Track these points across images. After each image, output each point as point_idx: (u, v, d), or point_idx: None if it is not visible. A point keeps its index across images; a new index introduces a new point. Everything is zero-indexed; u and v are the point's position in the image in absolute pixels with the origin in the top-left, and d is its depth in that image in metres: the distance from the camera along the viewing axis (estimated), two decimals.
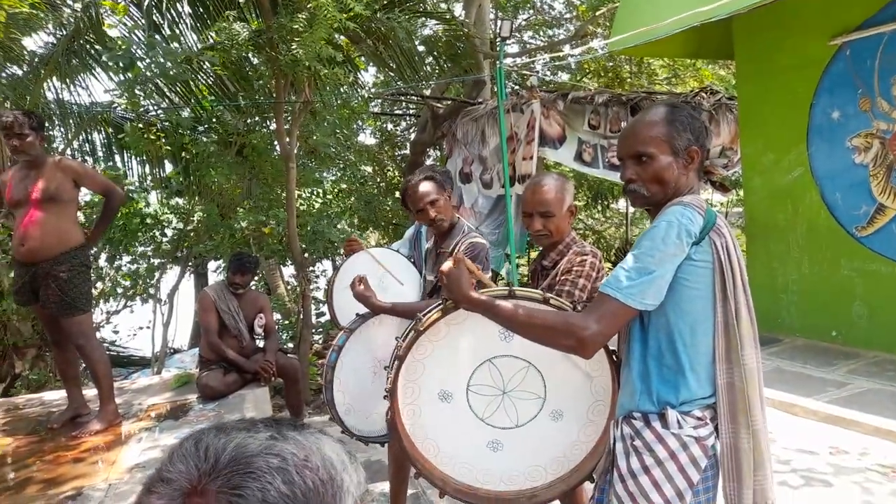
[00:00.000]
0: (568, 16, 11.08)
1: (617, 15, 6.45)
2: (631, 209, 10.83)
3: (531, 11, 11.18)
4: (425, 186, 2.86)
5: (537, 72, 7.10)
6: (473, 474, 1.99)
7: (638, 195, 1.65)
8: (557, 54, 8.54)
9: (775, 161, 5.96)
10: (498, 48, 6.29)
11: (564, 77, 10.23)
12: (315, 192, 8.24)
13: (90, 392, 4.22)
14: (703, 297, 1.54)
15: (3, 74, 6.14)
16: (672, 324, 1.55)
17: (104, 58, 5.66)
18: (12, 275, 5.38)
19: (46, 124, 4.89)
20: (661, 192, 1.61)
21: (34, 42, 6.85)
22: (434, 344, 1.95)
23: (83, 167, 3.94)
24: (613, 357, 1.85)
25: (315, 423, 5.29)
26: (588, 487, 2.02)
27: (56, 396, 4.51)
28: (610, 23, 9.37)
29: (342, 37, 5.67)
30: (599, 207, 12.43)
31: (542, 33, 11.26)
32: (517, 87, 9.22)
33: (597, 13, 9.15)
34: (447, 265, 1.81)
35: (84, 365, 4.18)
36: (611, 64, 9.92)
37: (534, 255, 6.66)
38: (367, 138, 10.99)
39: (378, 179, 10.66)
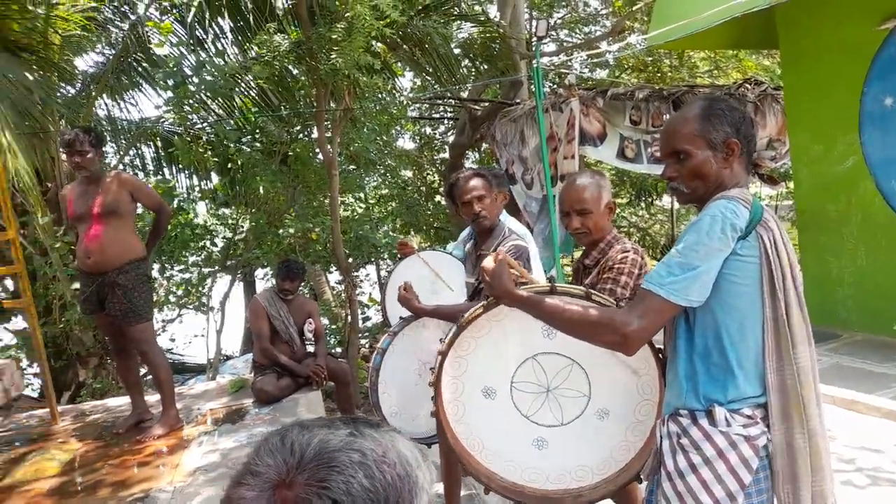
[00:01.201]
0: (604, 11, 10.97)
1: (655, 9, 6.36)
2: (676, 205, 10.64)
3: (566, 9, 11.10)
4: (475, 181, 2.91)
5: (575, 70, 7.06)
6: (519, 472, 1.99)
7: (680, 192, 1.66)
8: (596, 51, 8.46)
9: (825, 151, 5.79)
10: (534, 48, 6.28)
11: (602, 74, 10.13)
12: (357, 198, 8.35)
13: (150, 398, 4.38)
14: (750, 293, 1.51)
15: (58, 94, 6.41)
16: (719, 321, 1.52)
17: (157, 77, 5.87)
18: (75, 286, 5.63)
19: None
20: (702, 188, 1.60)
21: (84, 62, 7.14)
22: (476, 340, 1.98)
23: (140, 182, 4.09)
24: (660, 355, 1.84)
25: None
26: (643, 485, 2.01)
27: (119, 402, 4.70)
28: (648, 17, 9.24)
29: (379, 44, 5.75)
30: (643, 204, 12.25)
31: (578, 30, 11.17)
32: (555, 86, 9.17)
33: (634, 8, 9.03)
34: (488, 262, 1.83)
35: (145, 371, 4.33)
36: (650, 59, 9.78)
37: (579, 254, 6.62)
38: (405, 143, 11.10)
39: (418, 183, 10.74)
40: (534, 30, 6.13)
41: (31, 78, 5.23)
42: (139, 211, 6.46)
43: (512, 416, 1.95)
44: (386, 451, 0.70)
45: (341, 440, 0.69)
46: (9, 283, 7.76)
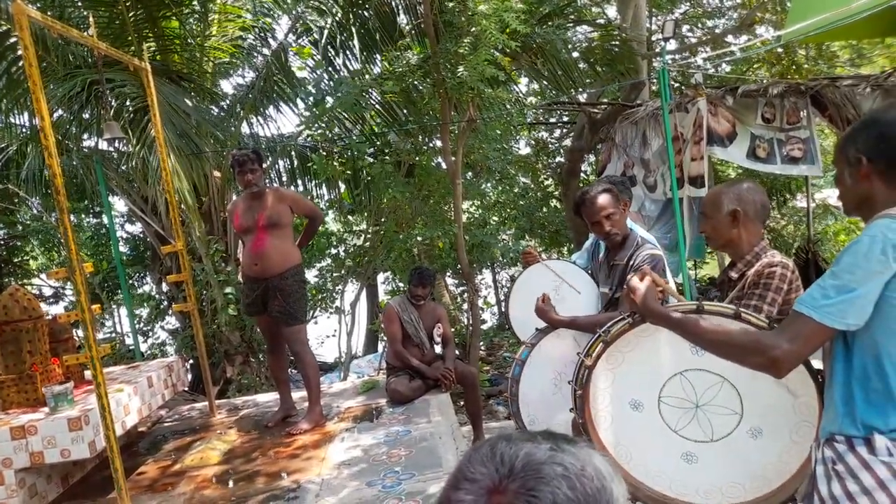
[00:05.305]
0: (730, 3, 10.44)
1: (793, 4, 6.00)
2: (812, 204, 9.95)
3: (688, 4, 10.68)
4: (603, 199, 2.93)
5: (700, 67, 6.79)
6: (668, 484, 2.00)
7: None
8: (725, 50, 8.09)
9: None
10: (660, 48, 6.14)
11: (728, 68, 9.64)
12: (476, 205, 8.52)
13: (294, 394, 4.73)
14: None
15: (209, 115, 7.06)
16: (880, 345, 1.42)
17: (299, 99, 6.31)
18: (227, 291, 6.19)
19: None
20: (851, 209, 1.59)
21: (230, 84, 7.81)
22: (623, 354, 2.02)
23: (297, 195, 4.42)
24: (819, 377, 1.78)
25: (491, 428, 5.48)
26: None
27: (267, 398, 5.12)
28: (780, 7, 8.72)
29: (499, 55, 5.86)
30: (774, 204, 11.51)
31: (700, 25, 10.71)
32: (679, 85, 8.87)
33: None
34: (635, 281, 1.85)
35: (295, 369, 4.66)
36: (782, 50, 9.19)
37: (710, 260, 6.38)
38: (522, 148, 11.14)
39: (533, 188, 10.75)
40: (660, 29, 6.00)
41: (189, 104, 5.82)
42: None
43: (660, 430, 1.98)
44: (584, 465, 0.75)
45: (545, 454, 0.75)
46: (163, 286, 8.60)
